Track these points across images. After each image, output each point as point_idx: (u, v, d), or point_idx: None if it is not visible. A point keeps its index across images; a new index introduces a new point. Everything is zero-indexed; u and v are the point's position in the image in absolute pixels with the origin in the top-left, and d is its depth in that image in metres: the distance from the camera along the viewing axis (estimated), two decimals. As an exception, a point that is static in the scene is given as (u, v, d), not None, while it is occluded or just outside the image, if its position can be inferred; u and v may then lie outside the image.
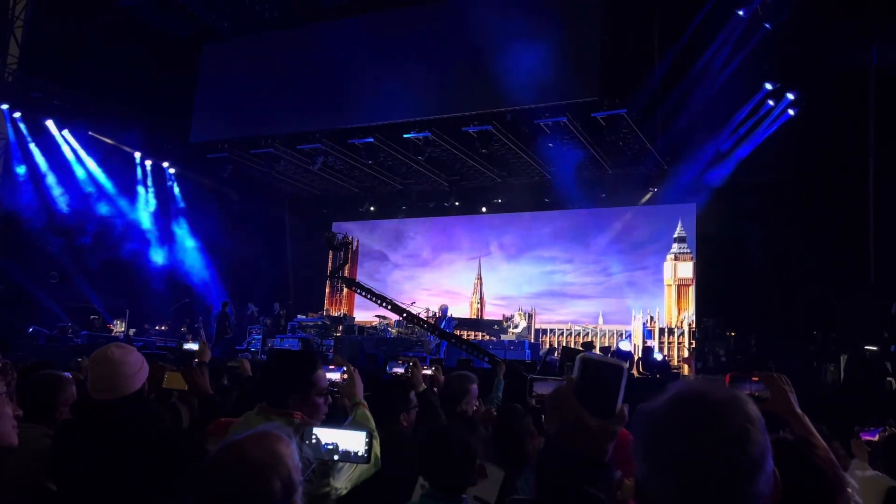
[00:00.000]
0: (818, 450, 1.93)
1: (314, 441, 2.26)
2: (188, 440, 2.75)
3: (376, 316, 16.28)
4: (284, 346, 14.35)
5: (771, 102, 12.77)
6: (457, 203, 18.38)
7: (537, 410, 3.80)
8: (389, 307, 14.11)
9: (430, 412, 3.98)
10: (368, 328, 16.32)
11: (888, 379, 9.30)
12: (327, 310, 19.06)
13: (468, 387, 4.22)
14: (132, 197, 16.99)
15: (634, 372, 12.60)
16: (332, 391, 3.77)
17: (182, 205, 17.98)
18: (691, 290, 16.27)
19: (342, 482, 2.52)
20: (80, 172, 15.87)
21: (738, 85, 12.28)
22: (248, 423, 2.55)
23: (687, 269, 16.38)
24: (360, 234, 20.19)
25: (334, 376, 4.15)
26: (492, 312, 18.29)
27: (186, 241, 17.84)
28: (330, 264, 19.12)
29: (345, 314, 18.06)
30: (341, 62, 13.75)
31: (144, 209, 17.20)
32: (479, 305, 18.70)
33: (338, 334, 15.35)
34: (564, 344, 16.43)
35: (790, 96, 12.54)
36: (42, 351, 12.28)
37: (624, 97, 12.61)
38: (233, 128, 15.57)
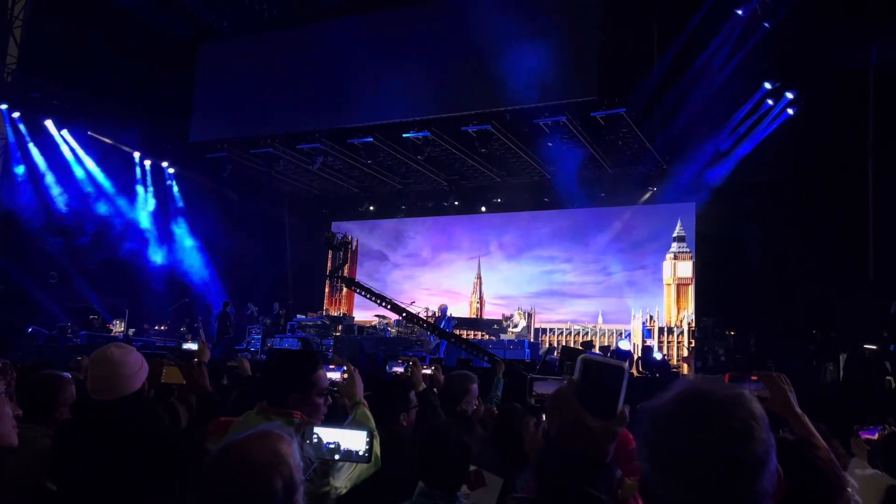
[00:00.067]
0: (819, 450, 1.93)
1: (315, 440, 2.26)
2: (188, 440, 2.75)
3: (376, 316, 16.28)
4: (284, 345, 14.35)
5: (770, 102, 12.78)
6: (456, 203, 18.38)
7: (537, 410, 3.80)
8: (389, 307, 14.11)
9: (430, 412, 3.98)
10: (368, 328, 16.32)
11: (887, 378, 9.31)
12: (327, 309, 19.07)
13: (468, 386, 4.23)
14: (131, 197, 16.98)
15: (634, 371, 12.59)
16: (332, 391, 3.78)
17: (181, 204, 17.97)
18: (690, 290, 16.28)
19: (342, 481, 2.52)
20: (79, 172, 15.86)
21: (737, 84, 12.28)
22: (248, 422, 2.55)
23: (686, 269, 16.39)
24: (359, 233, 20.20)
25: (334, 376, 4.15)
26: (491, 312, 18.29)
27: (186, 240, 17.83)
28: (329, 264, 19.12)
29: (344, 314, 18.06)
30: (340, 62, 13.74)
31: (143, 209, 17.19)
32: (478, 305, 18.70)
33: (337, 334, 15.35)
34: (564, 343, 16.43)
35: (789, 95, 12.54)
36: (41, 351, 12.27)
37: (623, 97, 12.61)
38: (232, 127, 15.55)
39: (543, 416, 2.46)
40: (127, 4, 14.40)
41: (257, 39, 14.99)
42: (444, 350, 13.94)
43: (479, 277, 18.83)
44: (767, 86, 12.51)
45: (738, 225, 13.89)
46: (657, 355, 13.88)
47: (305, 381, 2.64)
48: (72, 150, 15.68)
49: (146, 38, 15.10)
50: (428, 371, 5.06)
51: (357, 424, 2.70)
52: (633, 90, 12.49)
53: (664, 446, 1.13)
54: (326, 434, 2.29)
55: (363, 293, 14.56)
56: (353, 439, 2.31)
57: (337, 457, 2.31)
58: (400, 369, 5.16)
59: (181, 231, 17.86)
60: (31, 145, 15.09)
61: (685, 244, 16.41)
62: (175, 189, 17.94)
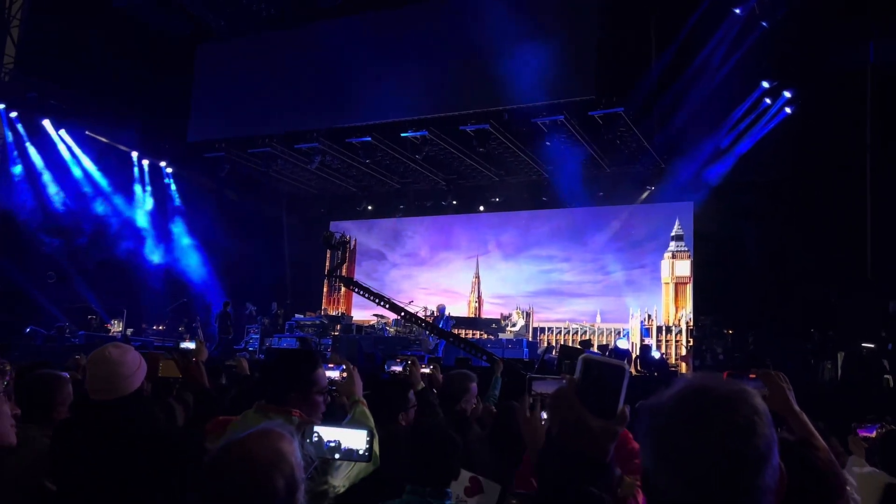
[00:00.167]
0: (819, 451, 1.94)
1: (316, 439, 2.27)
2: (187, 439, 2.75)
3: (374, 315, 16.28)
4: (282, 345, 14.35)
5: (768, 101, 12.80)
6: (454, 202, 18.38)
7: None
8: (387, 306, 14.10)
9: (429, 411, 3.98)
10: (366, 327, 16.31)
11: (885, 376, 9.32)
12: (325, 309, 19.06)
13: (468, 385, 4.23)
14: (129, 196, 16.97)
15: (632, 370, 12.60)
16: (332, 389, 3.78)
17: (179, 204, 17.96)
18: (689, 289, 16.29)
19: (340, 480, 2.52)
20: (76, 172, 15.84)
21: (734, 83, 12.29)
22: (247, 421, 2.56)
23: (684, 268, 16.40)
24: (357, 233, 20.20)
25: (333, 374, 4.15)
26: (490, 311, 18.29)
27: (184, 240, 17.81)
28: (328, 263, 19.11)
29: (343, 313, 18.07)
30: (338, 61, 13.73)
31: (141, 209, 17.18)
32: (476, 304, 18.70)
33: (336, 333, 15.35)
34: (562, 342, 16.44)
35: (787, 94, 12.56)
36: (39, 351, 12.26)
37: (621, 96, 12.62)
38: (230, 127, 15.54)
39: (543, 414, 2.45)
40: (124, 4, 14.38)
41: (255, 39, 14.98)
42: (443, 349, 13.94)
43: (478, 277, 18.83)
44: (765, 85, 12.53)
45: (737, 224, 13.92)
46: (655, 354, 13.89)
47: (306, 380, 2.66)
48: (69, 149, 15.66)
49: (144, 37, 15.08)
50: (426, 370, 5.06)
51: (356, 423, 2.71)
52: (631, 89, 12.50)
53: (667, 442, 1.13)
54: (327, 433, 2.30)
55: (361, 293, 14.54)
56: (354, 438, 2.31)
57: (337, 456, 2.31)
58: (398, 368, 5.16)
59: (179, 231, 17.85)
60: (28, 145, 15.08)
61: (683, 243, 16.42)
62: (173, 189, 17.93)
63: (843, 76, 11.79)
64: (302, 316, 16.61)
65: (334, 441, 2.29)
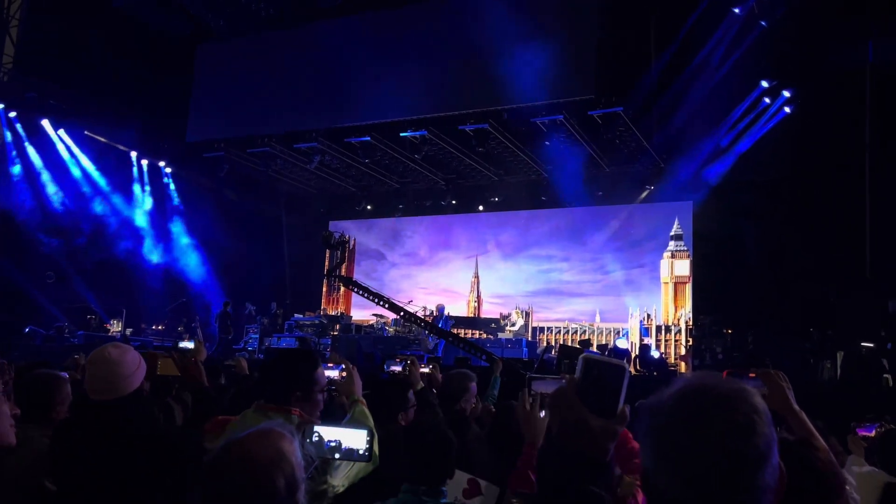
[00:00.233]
0: (819, 451, 1.94)
1: (316, 439, 2.27)
2: (187, 439, 2.75)
3: (373, 315, 16.27)
4: (281, 345, 14.35)
5: (767, 100, 12.81)
6: (454, 201, 18.38)
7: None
8: (387, 306, 14.10)
9: (428, 410, 3.98)
10: (365, 327, 16.31)
11: (885, 376, 9.33)
12: (324, 309, 19.04)
13: (467, 385, 4.23)
14: (128, 196, 16.97)
15: (631, 369, 12.57)
16: (331, 389, 3.78)
17: (179, 204, 17.95)
18: (688, 288, 16.29)
19: (339, 480, 2.53)
20: (76, 172, 15.83)
21: (734, 83, 12.30)
22: (246, 420, 2.56)
23: (684, 267, 16.40)
24: (356, 232, 20.19)
25: (332, 374, 4.15)
26: (489, 311, 18.28)
27: (183, 240, 17.81)
28: (327, 263, 19.10)
29: (342, 313, 18.06)
30: (338, 61, 13.73)
31: (140, 209, 17.17)
32: (476, 304, 18.70)
33: (335, 333, 15.34)
34: (562, 342, 16.45)
35: (786, 94, 12.57)
36: (39, 351, 12.27)
37: (620, 95, 12.62)
38: (229, 127, 15.54)
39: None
40: (124, 4, 14.38)
41: (255, 39, 14.98)
42: (443, 349, 13.93)
43: (477, 276, 18.83)
44: (764, 84, 12.54)
45: (736, 223, 13.92)
46: (655, 354, 13.89)
47: (305, 379, 2.67)
48: (68, 149, 15.66)
49: (144, 37, 15.07)
50: (426, 370, 5.06)
51: (356, 423, 2.71)
52: (631, 89, 12.52)
53: (666, 441, 1.13)
54: (327, 433, 2.30)
55: (361, 292, 14.54)
56: (354, 438, 2.32)
57: (338, 455, 2.31)
58: (398, 368, 5.16)
59: (178, 230, 17.84)
60: (27, 145, 15.06)
61: (682, 242, 16.43)
62: (172, 188, 17.92)
63: (842, 75, 11.80)
64: (301, 316, 16.60)
65: (335, 441, 2.29)
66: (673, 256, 16.52)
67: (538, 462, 1.33)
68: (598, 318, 17.12)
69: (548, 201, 17.32)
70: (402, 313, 14.07)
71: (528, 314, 17.50)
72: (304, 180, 18.52)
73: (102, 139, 16.08)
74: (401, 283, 19.40)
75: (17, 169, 14.91)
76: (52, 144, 15.40)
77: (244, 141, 15.93)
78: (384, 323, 16.02)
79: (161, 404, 4.17)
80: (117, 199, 16.60)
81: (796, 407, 2.19)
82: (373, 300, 14.25)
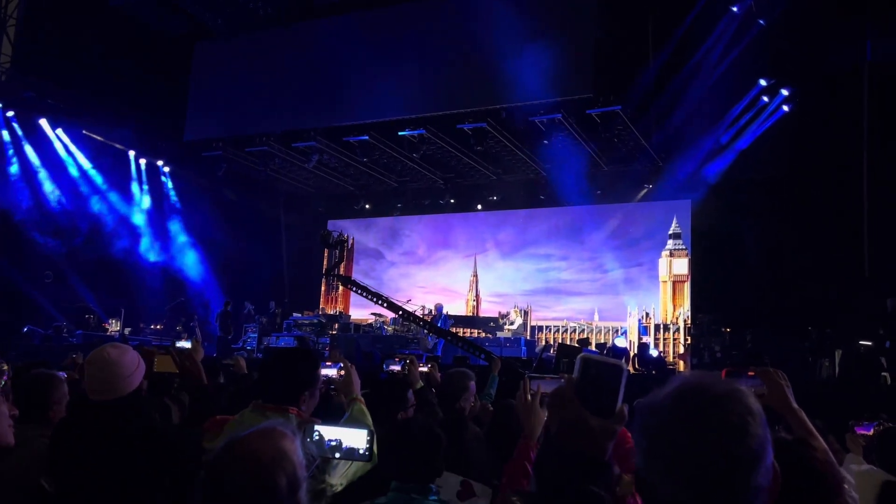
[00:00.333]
0: (817, 451, 1.93)
1: (316, 438, 2.27)
2: (186, 439, 2.75)
3: (372, 314, 16.28)
4: (280, 344, 14.34)
5: (765, 99, 12.82)
6: (452, 200, 18.38)
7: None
8: (385, 305, 14.10)
9: (428, 409, 3.98)
10: (364, 326, 16.31)
11: (883, 374, 9.33)
12: (323, 308, 19.04)
13: (467, 384, 4.22)
14: (126, 195, 16.95)
15: (630, 368, 12.62)
16: (329, 388, 3.78)
17: (177, 203, 17.94)
18: (686, 287, 16.30)
19: (337, 479, 2.53)
20: (73, 171, 15.81)
21: (732, 81, 12.30)
22: (244, 420, 2.56)
23: (682, 266, 16.41)
24: (355, 231, 20.18)
25: (331, 372, 4.15)
26: (487, 310, 18.29)
27: (181, 239, 17.79)
28: (325, 262, 19.09)
29: (340, 312, 18.06)
30: (336, 60, 13.73)
31: (139, 208, 17.15)
32: (474, 303, 18.71)
33: (334, 332, 15.33)
34: (560, 341, 16.46)
35: (784, 92, 12.58)
36: (37, 350, 12.26)
37: (618, 94, 12.63)
38: (227, 126, 15.54)
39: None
40: (121, 3, 14.36)
41: (253, 38, 14.96)
42: (442, 348, 13.94)
43: (476, 275, 18.83)
44: (763, 83, 12.55)
45: (734, 222, 13.93)
46: (653, 352, 13.92)
47: (304, 379, 2.69)
48: (66, 148, 15.64)
49: (141, 36, 15.07)
50: (424, 369, 5.06)
51: (355, 421, 2.71)
52: (629, 87, 12.52)
53: (661, 441, 1.13)
54: (328, 432, 2.30)
55: (359, 291, 14.55)
56: (354, 437, 2.32)
57: (338, 455, 2.31)
58: (397, 367, 5.16)
59: (176, 229, 17.83)
60: (25, 144, 15.04)
61: (681, 241, 16.43)
62: (170, 187, 17.90)
63: (841, 74, 11.81)
64: (300, 315, 16.59)
65: (335, 440, 2.29)
66: (671, 255, 16.53)
67: (537, 462, 1.33)
68: (596, 317, 17.13)
69: (546, 200, 17.32)
70: (400, 312, 14.08)
71: (526, 313, 17.51)
72: (303, 179, 18.51)
73: (100, 138, 16.06)
74: (399, 282, 19.40)
75: (14, 168, 14.88)
76: (50, 144, 15.38)
77: (242, 140, 15.92)
78: (383, 322, 16.02)
79: (158, 403, 4.17)
80: (115, 199, 16.58)
81: (795, 405, 2.19)
82: (371, 299, 14.26)
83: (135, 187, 17.17)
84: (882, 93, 11.46)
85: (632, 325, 16.25)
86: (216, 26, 15.13)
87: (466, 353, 11.97)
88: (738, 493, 1.10)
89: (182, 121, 15.63)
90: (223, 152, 16.21)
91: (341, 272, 17.89)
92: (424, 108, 13.81)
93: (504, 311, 17.50)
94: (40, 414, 3.08)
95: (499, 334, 15.82)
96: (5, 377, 3.98)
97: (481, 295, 18.74)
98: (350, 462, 2.46)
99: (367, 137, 15.01)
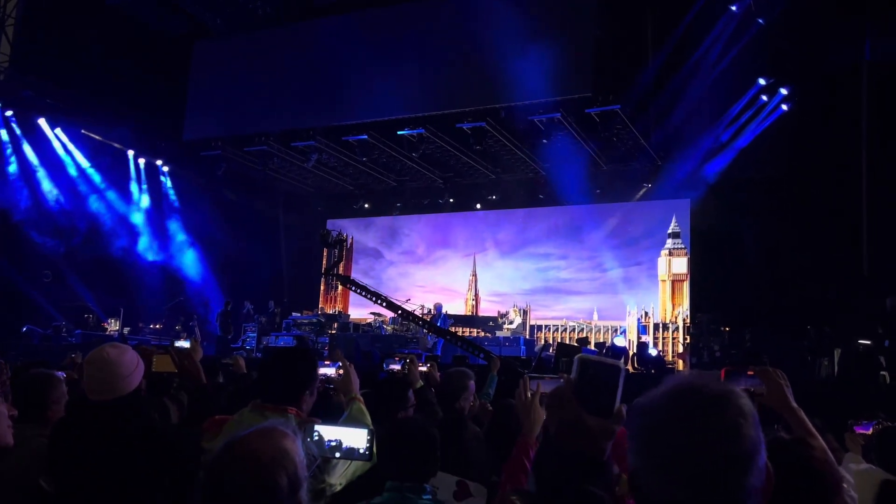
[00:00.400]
0: (815, 450, 1.93)
1: (317, 438, 2.27)
2: (185, 438, 2.75)
3: (371, 313, 16.28)
4: (280, 343, 14.33)
5: (764, 98, 12.82)
6: (451, 200, 18.38)
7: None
8: (384, 304, 14.10)
9: (428, 409, 3.98)
10: (363, 325, 16.31)
11: (882, 373, 9.33)
12: (322, 307, 19.05)
13: (466, 383, 4.22)
14: (125, 195, 16.93)
15: (629, 368, 12.62)
16: (328, 387, 3.77)
17: (176, 202, 17.93)
18: (686, 286, 16.31)
19: (336, 478, 2.53)
20: (72, 171, 15.80)
21: (731, 80, 12.31)
22: (242, 419, 2.56)
23: (681, 265, 16.42)
24: (354, 231, 20.18)
25: (330, 371, 4.15)
26: (487, 309, 18.29)
27: (180, 238, 17.78)
28: (325, 261, 19.08)
29: (340, 311, 18.06)
30: (335, 60, 13.72)
31: (138, 207, 17.14)
32: (473, 302, 18.71)
33: (333, 332, 15.33)
34: (559, 340, 16.46)
35: (783, 91, 12.57)
36: (36, 350, 12.26)
37: (617, 93, 12.63)
38: (226, 125, 15.52)
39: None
40: (120, 2, 14.35)
41: (252, 37, 14.96)
42: (441, 347, 13.94)
43: (475, 274, 18.83)
44: (762, 82, 12.54)
45: (733, 221, 13.94)
46: (652, 351, 13.92)
47: (303, 378, 2.69)
48: (65, 148, 15.62)
49: (140, 36, 15.05)
50: (423, 368, 5.06)
51: (354, 421, 2.71)
52: (628, 87, 12.52)
53: (653, 442, 1.13)
54: (327, 432, 2.30)
55: (358, 291, 14.54)
56: (355, 437, 2.32)
57: (338, 454, 2.31)
58: (397, 367, 5.16)
59: (175, 229, 17.82)
60: (24, 144, 15.03)
61: (680, 240, 16.44)
62: (169, 187, 17.89)
63: (840, 74, 11.81)
64: (299, 314, 16.60)
65: (335, 440, 2.29)
66: (671, 254, 16.54)
67: (536, 462, 1.33)
68: (595, 316, 17.14)
69: (545, 199, 17.33)
70: (399, 312, 14.08)
71: (525, 312, 17.51)
72: (302, 179, 18.50)
73: (99, 138, 16.04)
74: (398, 281, 19.39)
75: (13, 168, 14.86)
76: (49, 143, 15.36)
77: (241, 139, 15.91)
78: (382, 321, 16.03)
79: (157, 403, 4.16)
80: (114, 198, 16.56)
81: (794, 405, 2.19)
82: (371, 299, 14.25)
83: (133, 187, 17.15)
84: (881, 92, 11.47)
85: (631, 325, 16.25)
86: (215, 26, 15.13)
87: (466, 352, 11.97)
88: (730, 493, 1.10)
89: (181, 120, 15.61)
90: (222, 152, 16.20)
91: (340, 271, 17.88)
92: (423, 108, 13.81)
93: (503, 311, 17.50)
94: (39, 414, 3.08)
95: (498, 333, 15.82)
96: (4, 377, 3.98)
97: (480, 294, 18.75)
98: (349, 461, 2.46)
99: (366, 137, 15.01)
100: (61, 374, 3.47)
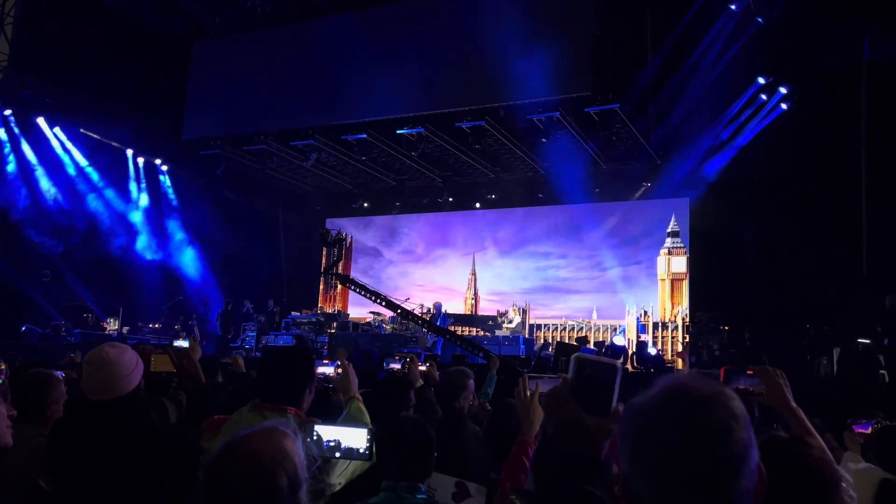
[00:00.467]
0: (813, 449, 1.93)
1: (316, 438, 2.27)
2: (184, 438, 2.75)
3: (370, 312, 16.28)
4: (279, 342, 14.33)
5: (764, 97, 12.83)
6: (450, 199, 18.39)
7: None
8: (384, 303, 14.10)
9: (427, 408, 3.98)
10: (363, 325, 16.31)
11: (881, 372, 9.34)
12: (321, 307, 19.04)
13: (466, 382, 4.22)
14: (124, 194, 16.92)
15: (629, 367, 12.63)
16: (327, 386, 3.77)
17: (175, 202, 17.91)
18: (685, 285, 16.31)
19: (335, 478, 2.52)
20: (71, 170, 15.78)
21: (730, 79, 12.31)
22: (241, 419, 2.56)
23: (680, 264, 16.43)
24: (353, 230, 20.18)
25: (328, 370, 4.15)
26: (486, 308, 18.29)
27: (179, 237, 17.77)
28: (324, 261, 19.09)
29: (339, 311, 18.05)
30: (334, 59, 13.73)
31: (137, 206, 17.13)
32: (473, 301, 18.71)
33: (332, 331, 15.33)
34: (559, 339, 16.46)
35: (783, 91, 12.57)
36: (35, 350, 12.25)
37: (617, 92, 12.62)
38: (225, 125, 15.52)
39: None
40: (119, 2, 14.33)
41: (251, 36, 14.96)
42: (441, 347, 13.94)
43: (474, 273, 18.84)
44: (761, 81, 12.54)
45: (733, 220, 13.95)
46: (651, 350, 13.91)
47: (303, 378, 2.70)
48: (64, 147, 15.60)
49: (139, 35, 15.04)
50: (423, 367, 5.06)
51: (353, 420, 2.71)
52: (627, 86, 12.52)
53: (644, 442, 1.13)
54: (327, 432, 2.30)
55: (358, 290, 14.54)
56: (354, 437, 2.32)
57: (338, 454, 2.31)
58: (397, 366, 5.16)
59: (175, 228, 17.81)
60: (22, 143, 15.01)
61: (679, 239, 16.45)
62: (168, 186, 17.88)
63: (839, 73, 11.81)
64: (298, 313, 16.59)
65: (334, 440, 2.29)
66: (670, 253, 16.54)
67: (534, 462, 1.33)
68: (594, 315, 17.15)
69: (545, 198, 17.33)
70: (399, 311, 14.07)
71: (525, 311, 17.51)
72: (301, 178, 18.50)
73: (98, 137, 16.03)
74: (398, 280, 19.40)
75: (11, 167, 14.84)
76: (47, 142, 15.34)
77: (240, 138, 15.91)
78: (381, 321, 16.02)
79: (155, 403, 4.16)
80: (112, 197, 16.55)
81: (793, 404, 2.19)
82: (370, 298, 14.25)
83: (132, 186, 17.14)
84: (880, 91, 11.47)
85: (630, 324, 16.26)
86: (215, 25, 15.12)
87: (465, 351, 11.97)
88: (721, 494, 1.10)
89: (180, 119, 15.62)
90: (221, 151, 16.19)
91: (340, 271, 17.88)
92: (423, 107, 13.80)
93: (503, 310, 17.49)
94: (38, 413, 3.07)
95: (497, 333, 15.82)
96: (3, 377, 3.97)
97: (480, 293, 18.75)
98: (348, 461, 2.46)
99: (365, 136, 15.00)
100: (60, 374, 3.46)
